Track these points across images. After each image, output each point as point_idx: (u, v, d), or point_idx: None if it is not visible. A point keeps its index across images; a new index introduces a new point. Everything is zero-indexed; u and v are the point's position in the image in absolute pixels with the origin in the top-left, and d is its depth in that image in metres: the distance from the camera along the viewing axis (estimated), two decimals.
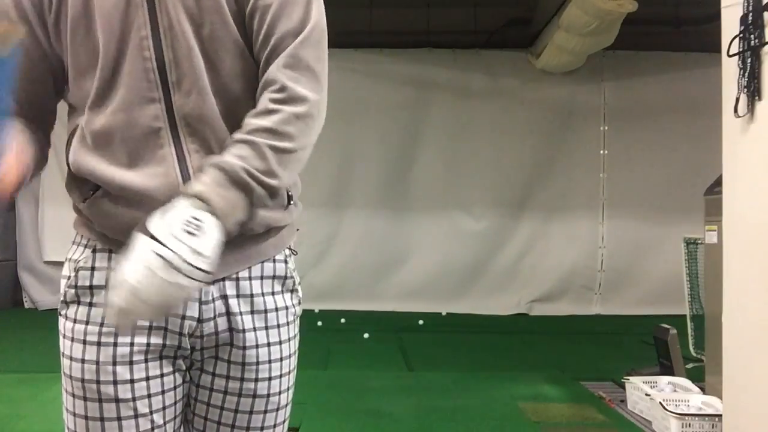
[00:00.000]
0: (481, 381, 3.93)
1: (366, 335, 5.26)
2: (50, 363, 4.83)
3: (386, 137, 6.53)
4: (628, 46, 6.24)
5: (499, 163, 6.56)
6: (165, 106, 0.97)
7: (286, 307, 1.08)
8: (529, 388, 3.80)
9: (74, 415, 1.00)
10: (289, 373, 1.09)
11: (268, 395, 1.05)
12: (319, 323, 5.66)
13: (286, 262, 1.09)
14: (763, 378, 2.24)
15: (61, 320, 1.02)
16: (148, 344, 0.98)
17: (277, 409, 1.07)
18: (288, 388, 1.09)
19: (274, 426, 1.08)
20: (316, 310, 6.13)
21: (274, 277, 1.07)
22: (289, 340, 1.08)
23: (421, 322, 5.95)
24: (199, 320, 1.00)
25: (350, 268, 6.49)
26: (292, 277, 1.10)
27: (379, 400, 3.54)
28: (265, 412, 1.06)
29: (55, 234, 6.47)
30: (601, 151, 6.68)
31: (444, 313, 6.42)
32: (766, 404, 2.23)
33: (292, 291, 1.11)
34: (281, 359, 1.07)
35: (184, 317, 0.99)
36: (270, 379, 1.05)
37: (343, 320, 5.87)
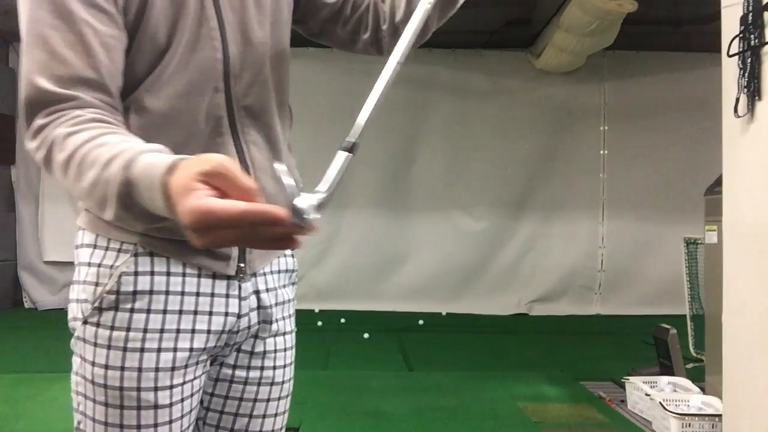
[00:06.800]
0: (481, 381, 3.93)
1: (366, 335, 5.26)
2: (50, 363, 4.85)
3: (386, 137, 6.52)
4: (628, 46, 6.24)
5: (499, 163, 6.56)
6: (225, 96, 0.98)
7: (290, 300, 1.14)
8: (529, 388, 3.80)
9: (106, 424, 0.95)
10: (293, 362, 1.14)
11: (282, 382, 1.11)
12: (319, 323, 5.67)
13: (292, 255, 1.15)
14: (763, 378, 2.24)
15: (91, 328, 0.95)
16: (191, 349, 0.98)
17: (287, 396, 1.13)
18: (291, 378, 1.14)
19: (285, 412, 1.13)
20: (316, 310, 6.13)
21: (286, 271, 1.13)
22: (293, 331, 1.14)
23: (421, 322, 5.95)
24: (239, 316, 1.02)
25: (350, 268, 6.48)
26: (296, 270, 1.16)
27: (379, 400, 3.54)
28: (279, 398, 1.11)
29: (55, 234, 6.46)
30: (601, 151, 6.68)
31: (444, 313, 6.41)
32: (766, 404, 2.24)
33: (293, 284, 1.16)
34: (292, 347, 1.13)
35: (227, 314, 1.01)
36: (285, 366, 1.11)
37: (343, 320, 5.87)
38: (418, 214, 6.64)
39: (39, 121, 0.84)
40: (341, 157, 0.78)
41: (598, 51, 5.92)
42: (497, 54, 6.60)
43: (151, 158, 0.75)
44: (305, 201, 0.69)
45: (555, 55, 5.95)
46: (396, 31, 1.14)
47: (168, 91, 0.93)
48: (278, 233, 0.68)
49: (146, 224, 0.81)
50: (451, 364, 4.50)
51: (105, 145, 0.79)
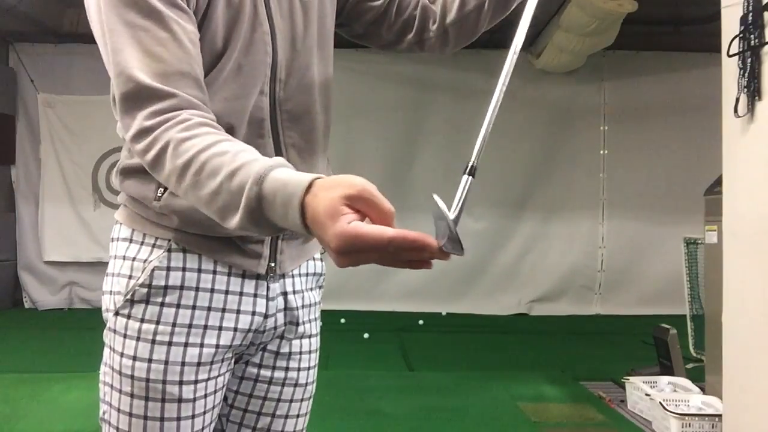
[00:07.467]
0: (481, 381, 3.93)
1: (366, 335, 5.26)
2: (50, 363, 4.84)
3: (386, 137, 6.53)
4: (628, 46, 6.24)
5: (499, 163, 6.55)
6: (269, 99, 0.99)
7: (317, 303, 1.17)
8: (529, 388, 3.80)
9: (130, 415, 0.97)
10: (316, 365, 1.16)
11: (306, 384, 1.12)
12: (320, 323, 5.67)
13: (321, 259, 1.18)
14: (763, 378, 2.24)
15: (122, 320, 0.98)
16: (217, 345, 0.99)
17: (309, 398, 1.14)
18: (314, 381, 1.16)
19: (306, 414, 1.14)
20: None
21: (314, 274, 1.15)
22: (318, 334, 1.17)
23: (421, 322, 5.95)
24: (266, 316, 1.04)
25: (350, 268, 6.45)
26: (324, 273, 1.19)
27: (379, 400, 3.54)
28: (302, 400, 1.12)
29: (55, 234, 6.46)
30: (601, 151, 6.68)
31: (444, 313, 6.42)
32: (766, 404, 2.23)
33: (320, 287, 1.19)
34: (317, 350, 1.16)
35: (254, 313, 1.02)
36: (309, 368, 1.13)
37: (343, 320, 5.87)
38: (418, 214, 6.62)
39: (145, 123, 0.84)
40: (464, 180, 0.81)
41: (598, 51, 5.92)
42: (497, 54, 6.57)
43: (284, 174, 0.76)
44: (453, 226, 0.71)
45: (555, 55, 5.95)
46: (445, 33, 1.15)
47: (223, 94, 0.95)
48: (422, 258, 0.71)
49: (268, 235, 0.83)
50: (451, 364, 4.50)
51: (225, 154, 0.79)
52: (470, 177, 0.80)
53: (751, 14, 2.25)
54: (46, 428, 3.04)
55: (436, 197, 0.73)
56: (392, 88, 6.53)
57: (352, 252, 0.69)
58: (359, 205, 0.70)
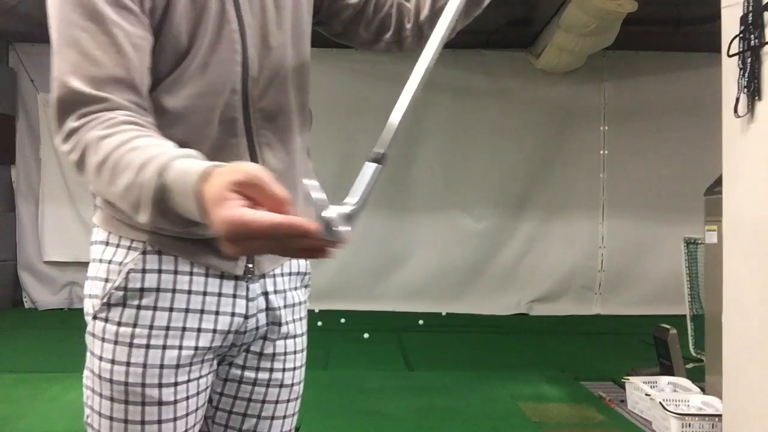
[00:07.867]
0: (481, 381, 3.93)
1: (366, 335, 5.26)
2: (50, 363, 4.84)
3: None
4: (628, 46, 6.24)
5: (499, 163, 6.56)
6: (242, 98, 0.98)
7: (302, 302, 1.14)
8: (529, 388, 3.80)
9: (111, 419, 0.96)
10: (303, 365, 1.14)
11: (292, 385, 1.11)
12: (319, 323, 5.67)
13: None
14: (763, 378, 2.25)
15: (100, 323, 0.97)
16: (196, 347, 0.98)
17: (297, 399, 1.13)
18: (301, 381, 1.14)
19: (293, 415, 1.13)
20: (316, 310, 6.13)
21: (297, 274, 1.12)
22: (304, 333, 1.14)
23: (421, 322, 5.95)
24: (246, 317, 1.03)
25: (350, 268, 6.48)
26: (309, 272, 1.16)
27: (379, 400, 3.54)
28: (288, 401, 1.11)
29: (55, 234, 6.46)
30: (601, 151, 6.68)
31: (444, 313, 6.42)
32: (766, 404, 2.24)
33: (306, 287, 1.16)
34: (303, 350, 1.13)
35: (233, 314, 1.01)
36: (294, 369, 1.11)
37: (343, 320, 5.87)
38: (418, 214, 6.64)
39: (71, 124, 0.84)
40: (370, 168, 0.77)
41: (598, 51, 5.92)
42: (497, 54, 6.60)
43: (185, 164, 0.75)
44: (335, 214, 0.69)
45: (555, 55, 5.95)
46: (420, 30, 1.16)
47: (187, 92, 0.94)
48: (309, 245, 0.69)
49: (182, 228, 0.82)
50: (451, 364, 4.50)
51: (137, 149, 0.80)
52: (379, 165, 0.77)
53: (751, 14, 2.26)
54: (46, 428, 3.04)
55: (306, 182, 0.71)
56: (392, 88, 6.42)
57: (240, 239, 0.67)
58: (251, 192, 0.69)
